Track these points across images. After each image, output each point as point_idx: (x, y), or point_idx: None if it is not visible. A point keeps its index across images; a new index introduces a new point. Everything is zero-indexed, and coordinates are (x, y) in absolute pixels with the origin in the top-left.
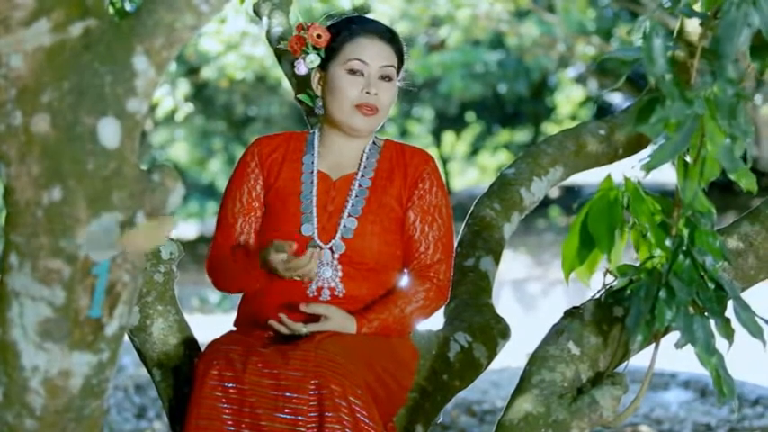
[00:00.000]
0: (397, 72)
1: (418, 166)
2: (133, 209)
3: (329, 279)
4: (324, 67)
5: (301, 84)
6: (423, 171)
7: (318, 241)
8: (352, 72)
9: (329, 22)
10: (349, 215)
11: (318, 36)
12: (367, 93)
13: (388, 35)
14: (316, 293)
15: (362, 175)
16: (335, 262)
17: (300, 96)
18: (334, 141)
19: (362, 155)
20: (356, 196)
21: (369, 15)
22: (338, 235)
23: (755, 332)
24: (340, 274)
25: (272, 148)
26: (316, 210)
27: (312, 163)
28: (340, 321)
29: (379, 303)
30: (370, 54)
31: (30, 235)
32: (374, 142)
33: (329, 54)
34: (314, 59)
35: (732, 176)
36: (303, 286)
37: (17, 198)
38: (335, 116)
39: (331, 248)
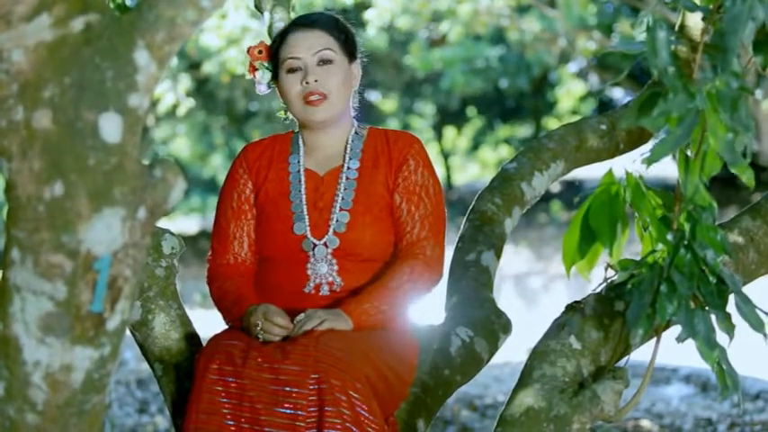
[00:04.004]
0: (350, 51)
1: (402, 149)
2: (135, 204)
3: (326, 274)
4: (275, 77)
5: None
6: (407, 153)
7: (312, 238)
8: (291, 70)
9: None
10: (341, 209)
11: (259, 52)
12: (306, 83)
13: (312, 21)
14: (313, 290)
15: (348, 167)
16: (330, 257)
17: (278, 114)
18: (314, 138)
19: (346, 146)
20: (345, 189)
21: (369, 10)
22: (331, 230)
23: (757, 325)
24: (336, 267)
25: (259, 152)
26: (306, 208)
27: (298, 162)
28: (335, 324)
29: (367, 291)
30: (298, 47)
31: (31, 230)
32: (356, 132)
33: (275, 64)
34: (264, 75)
35: (734, 170)
36: (300, 285)
37: (19, 193)
38: (296, 116)
39: (325, 244)
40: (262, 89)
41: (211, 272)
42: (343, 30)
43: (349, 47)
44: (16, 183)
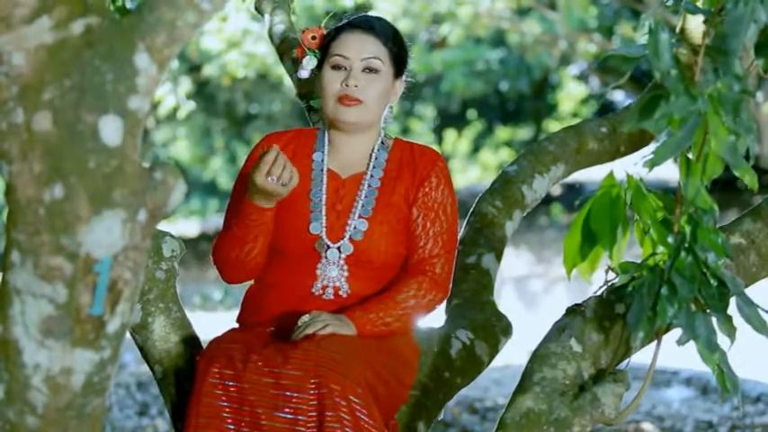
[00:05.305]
0: (398, 66)
1: (427, 165)
2: (135, 206)
3: (335, 278)
4: (321, 68)
5: (303, 83)
6: (431, 169)
7: (326, 240)
8: (336, 67)
9: (332, 23)
10: (359, 216)
11: (313, 38)
12: (346, 85)
13: (371, 27)
14: (320, 291)
15: (372, 175)
16: (342, 262)
17: (312, 102)
18: (340, 140)
19: (371, 154)
20: (366, 197)
21: (371, 12)
22: (347, 236)
23: (759, 327)
24: (346, 273)
25: (283, 143)
26: (325, 208)
27: (322, 161)
28: (338, 329)
29: (373, 301)
30: (350, 47)
31: (31, 232)
32: (383, 141)
33: (323, 55)
34: (311, 61)
35: (736, 172)
36: (307, 285)
37: (19, 196)
38: (325, 113)
39: (338, 248)
40: (304, 74)
41: (215, 244)
42: (397, 44)
43: (398, 63)
44: (16, 185)
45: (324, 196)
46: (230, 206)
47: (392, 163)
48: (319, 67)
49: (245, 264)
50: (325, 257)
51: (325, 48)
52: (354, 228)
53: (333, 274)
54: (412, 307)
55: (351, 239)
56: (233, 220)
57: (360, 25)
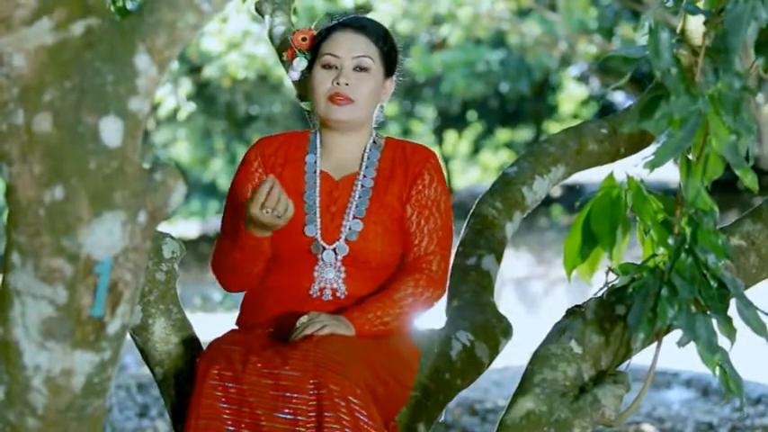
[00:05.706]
0: (389, 65)
1: (419, 163)
2: (135, 208)
3: (332, 280)
4: (311, 68)
5: (302, 84)
6: (423, 167)
7: (322, 242)
8: (327, 66)
9: (325, 23)
10: (354, 217)
11: (303, 39)
12: (337, 83)
13: (362, 27)
14: (318, 294)
15: (365, 176)
16: (338, 263)
17: (303, 104)
18: (332, 140)
19: (363, 154)
20: (359, 197)
21: (370, 14)
22: (342, 237)
23: (758, 329)
24: (343, 275)
25: (275, 147)
26: (319, 210)
27: (315, 162)
28: (336, 329)
29: (371, 301)
30: (341, 46)
31: (32, 234)
32: (374, 141)
33: (314, 55)
34: (301, 62)
35: (738, 172)
36: (305, 287)
37: (19, 197)
38: (317, 112)
39: (334, 250)
40: (294, 75)
41: (215, 253)
42: (388, 43)
43: (389, 62)
44: (17, 187)
45: (317, 198)
46: (225, 217)
47: (385, 162)
48: (310, 68)
49: (244, 276)
50: (322, 259)
51: (315, 48)
52: (349, 229)
53: (330, 276)
54: (410, 305)
55: (346, 241)
56: (229, 244)
57: (350, 24)
